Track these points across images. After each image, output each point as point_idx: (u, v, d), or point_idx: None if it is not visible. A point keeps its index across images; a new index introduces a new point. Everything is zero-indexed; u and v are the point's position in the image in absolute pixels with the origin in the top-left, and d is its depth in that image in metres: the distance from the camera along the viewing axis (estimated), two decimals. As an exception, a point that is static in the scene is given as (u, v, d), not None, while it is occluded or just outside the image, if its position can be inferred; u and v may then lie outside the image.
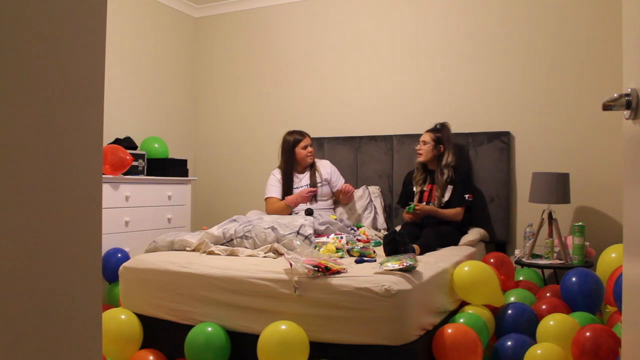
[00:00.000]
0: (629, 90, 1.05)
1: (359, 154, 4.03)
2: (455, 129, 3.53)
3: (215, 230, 2.81)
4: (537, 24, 3.55)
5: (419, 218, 3.36)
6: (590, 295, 2.49)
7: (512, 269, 2.92)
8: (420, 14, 3.93)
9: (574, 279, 2.53)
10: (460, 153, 3.60)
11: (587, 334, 2.03)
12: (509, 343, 2.21)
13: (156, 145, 4.05)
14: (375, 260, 2.46)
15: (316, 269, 2.12)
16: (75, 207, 0.71)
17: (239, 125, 4.66)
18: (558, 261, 3.10)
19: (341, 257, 2.53)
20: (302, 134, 3.66)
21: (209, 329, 2.20)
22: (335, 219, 3.10)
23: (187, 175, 4.05)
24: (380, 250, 2.67)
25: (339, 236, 2.76)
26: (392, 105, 4.02)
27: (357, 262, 2.44)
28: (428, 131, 3.46)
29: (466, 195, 3.33)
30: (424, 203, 3.40)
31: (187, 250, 2.73)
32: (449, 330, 2.15)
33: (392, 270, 2.12)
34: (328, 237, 2.77)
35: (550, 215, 3.14)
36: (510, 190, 3.58)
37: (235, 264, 2.37)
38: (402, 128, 3.93)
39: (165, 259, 2.51)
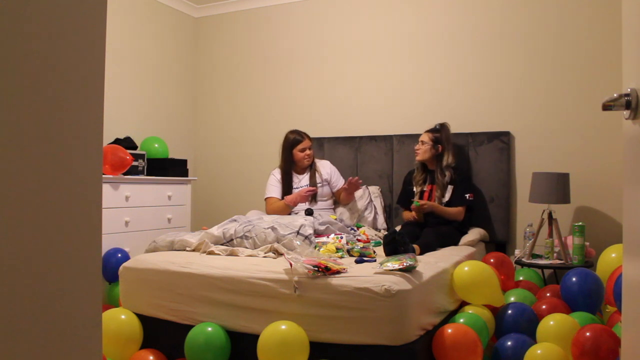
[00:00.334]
0: (629, 90, 1.05)
1: (359, 154, 4.03)
2: (455, 129, 3.53)
3: (215, 230, 2.81)
4: (537, 24, 3.55)
5: (422, 215, 3.36)
6: (590, 295, 2.49)
7: (512, 269, 2.92)
8: (420, 14, 3.93)
9: (574, 279, 2.53)
10: (460, 153, 3.60)
11: (587, 334, 2.03)
12: (509, 343, 2.21)
13: (156, 145, 4.05)
14: (375, 260, 2.45)
15: (316, 269, 2.12)
16: (75, 207, 0.71)
17: (239, 125, 4.66)
18: (558, 261, 3.10)
19: (341, 257, 2.53)
20: (302, 136, 3.64)
21: (209, 329, 2.20)
22: (335, 219, 3.10)
23: (187, 175, 4.05)
24: (380, 250, 2.67)
25: (339, 236, 2.76)
26: (392, 105, 4.02)
27: (357, 262, 2.44)
28: (427, 131, 3.46)
29: (467, 195, 3.33)
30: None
31: (187, 250, 2.73)
32: (449, 330, 2.15)
33: (392, 270, 2.12)
34: (328, 237, 2.77)
35: (550, 215, 3.14)
36: (510, 190, 3.58)
37: (235, 264, 2.37)
38: (402, 128, 3.93)
39: (165, 259, 2.51)
